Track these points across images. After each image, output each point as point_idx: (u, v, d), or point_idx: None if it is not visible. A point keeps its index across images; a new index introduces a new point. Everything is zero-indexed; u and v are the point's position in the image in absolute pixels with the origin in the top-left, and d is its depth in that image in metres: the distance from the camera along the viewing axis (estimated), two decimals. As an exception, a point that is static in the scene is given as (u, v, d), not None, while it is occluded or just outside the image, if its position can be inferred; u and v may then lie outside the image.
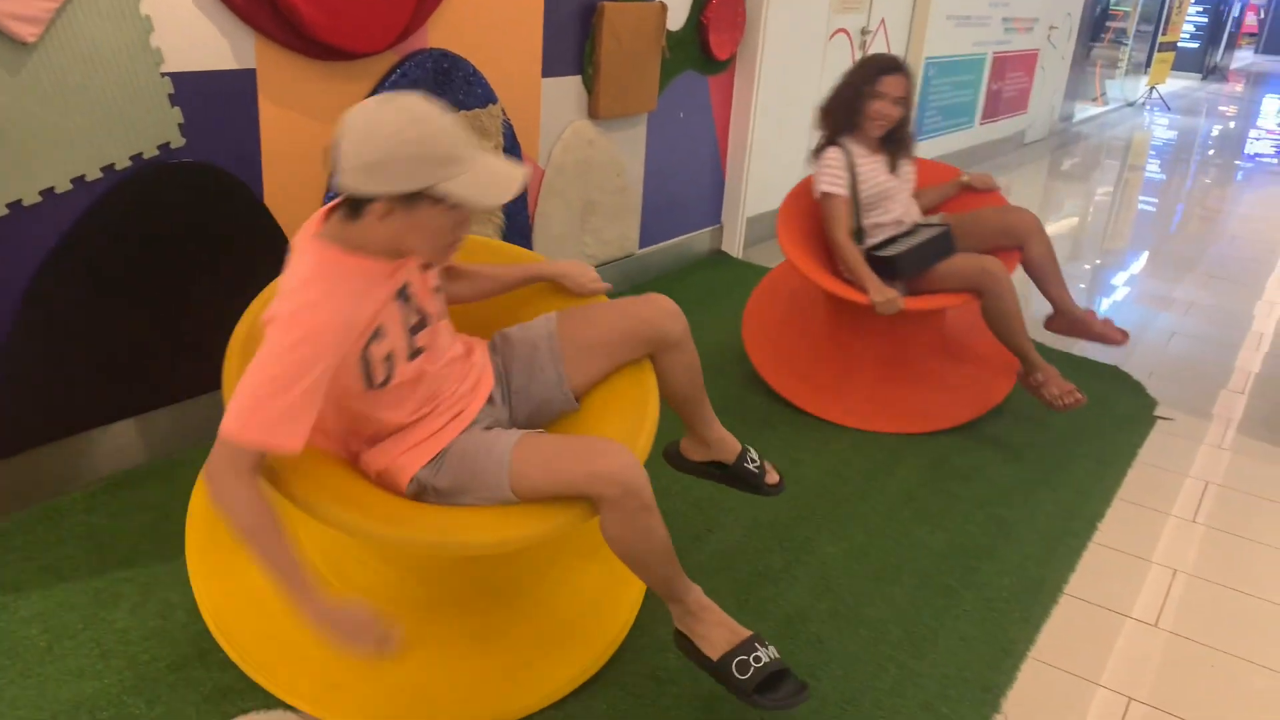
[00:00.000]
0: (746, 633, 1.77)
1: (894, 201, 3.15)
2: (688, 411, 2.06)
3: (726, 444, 2.12)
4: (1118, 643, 2.21)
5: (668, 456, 2.19)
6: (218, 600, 1.83)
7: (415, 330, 1.68)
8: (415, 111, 1.47)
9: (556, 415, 1.94)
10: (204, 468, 1.50)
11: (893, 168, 3.15)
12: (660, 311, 1.92)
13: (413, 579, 1.88)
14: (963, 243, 3.10)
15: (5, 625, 1.93)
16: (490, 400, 1.85)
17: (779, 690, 1.72)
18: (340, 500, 1.55)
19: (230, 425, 1.43)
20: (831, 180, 3.06)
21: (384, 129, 1.44)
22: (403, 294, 1.64)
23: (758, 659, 1.73)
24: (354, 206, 1.51)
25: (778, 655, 1.75)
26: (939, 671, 2.06)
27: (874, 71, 3.03)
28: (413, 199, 1.48)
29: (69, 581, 2.08)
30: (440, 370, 1.75)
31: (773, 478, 2.15)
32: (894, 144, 3.15)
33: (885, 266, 3.00)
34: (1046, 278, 3.25)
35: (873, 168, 3.11)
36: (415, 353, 1.68)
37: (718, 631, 1.77)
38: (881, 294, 2.93)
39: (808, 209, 3.26)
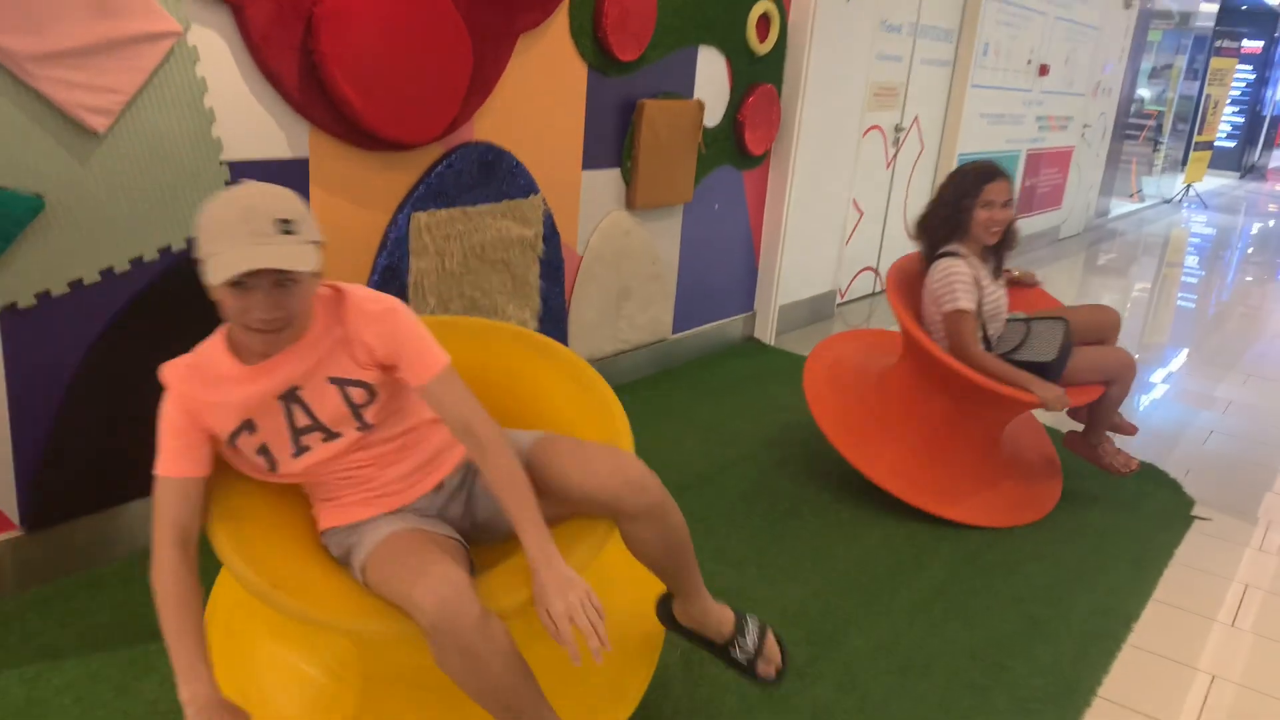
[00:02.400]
0: None
1: (1003, 308, 3.17)
2: (667, 580, 1.86)
3: (715, 622, 1.90)
4: (1154, 750, 2.15)
5: (658, 609, 1.97)
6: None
7: (303, 432, 1.67)
8: (220, 193, 1.56)
9: (504, 537, 1.84)
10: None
11: (996, 274, 3.17)
12: (621, 480, 1.69)
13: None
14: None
15: (40, 694, 1.96)
16: (439, 487, 1.81)
17: None
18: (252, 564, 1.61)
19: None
20: (967, 296, 3.00)
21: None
22: (289, 396, 1.64)
23: None
24: None
25: None
26: (967, 773, 2.01)
27: (976, 180, 3.04)
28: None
29: (103, 651, 2.11)
30: (349, 465, 1.73)
31: (767, 670, 1.89)
32: (1000, 248, 3.17)
33: (1037, 370, 3.01)
34: (1108, 409, 3.27)
35: (989, 284, 3.11)
36: (301, 450, 1.68)
37: None
38: (1048, 390, 2.91)
39: (911, 285, 3.28)
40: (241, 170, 2.48)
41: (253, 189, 1.55)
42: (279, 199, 1.54)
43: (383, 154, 2.82)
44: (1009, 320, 3.23)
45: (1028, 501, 3.25)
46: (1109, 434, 3.37)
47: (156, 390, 2.39)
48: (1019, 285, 3.53)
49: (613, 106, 3.64)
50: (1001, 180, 3.05)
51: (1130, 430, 3.43)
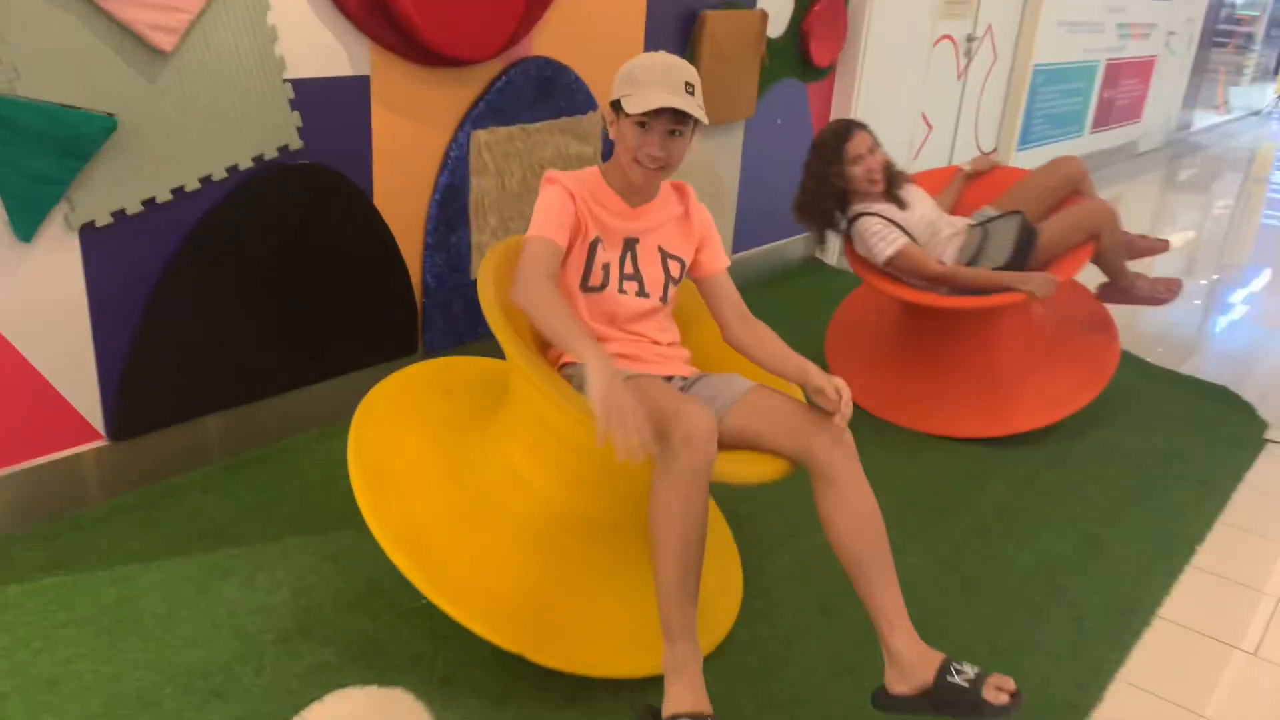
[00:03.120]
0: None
1: (940, 224, 3.16)
2: (854, 580, 1.83)
3: (916, 656, 1.72)
4: (1211, 670, 2.15)
5: (875, 701, 1.80)
6: (394, 526, 1.89)
7: (626, 279, 1.99)
8: (643, 53, 1.95)
9: None
10: (515, 275, 1.87)
11: (902, 203, 3.15)
12: (817, 433, 1.84)
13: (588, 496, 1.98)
14: (1033, 214, 3.14)
15: (129, 593, 2.07)
16: (669, 379, 2.01)
17: None
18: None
19: (529, 232, 1.92)
20: (888, 241, 3.03)
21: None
22: (629, 244, 1.99)
23: None
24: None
25: None
26: (1022, 688, 2.03)
27: (836, 143, 3.09)
28: (614, 107, 1.92)
29: (185, 555, 2.22)
30: (636, 323, 2.02)
31: (998, 696, 1.60)
32: (891, 183, 3.14)
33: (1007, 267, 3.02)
34: (1113, 255, 3.21)
35: (902, 215, 3.11)
36: (622, 287, 1.99)
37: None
38: (1029, 281, 2.87)
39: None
40: (304, 88, 2.49)
41: (670, 57, 1.91)
42: (687, 69, 1.89)
43: (442, 70, 2.81)
44: (971, 227, 3.18)
45: (1085, 378, 3.18)
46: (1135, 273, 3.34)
47: (230, 307, 2.47)
48: (978, 176, 3.46)
49: (673, 18, 3.56)
50: (858, 133, 3.08)
51: (1161, 246, 3.34)
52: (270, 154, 2.47)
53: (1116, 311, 3.50)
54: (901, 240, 3.04)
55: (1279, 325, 4.44)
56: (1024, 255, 3.03)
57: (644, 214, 2.01)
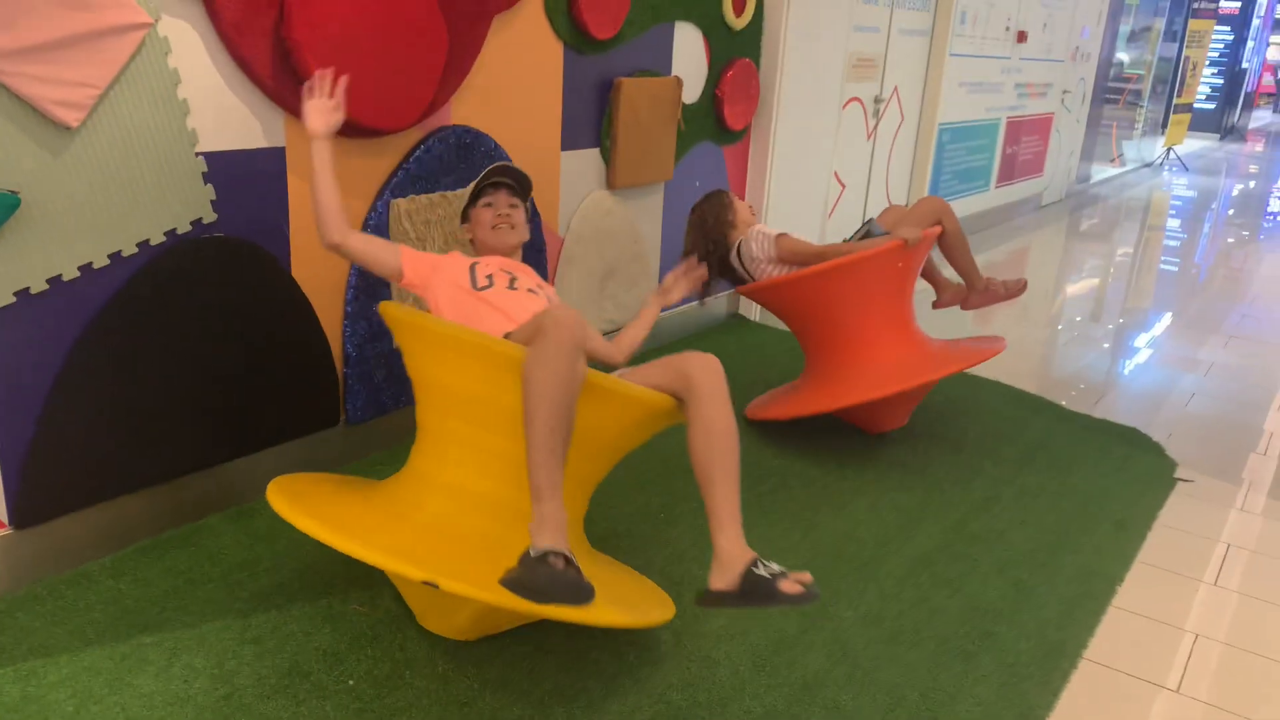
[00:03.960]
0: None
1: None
2: (702, 488, 2.05)
3: (735, 554, 1.92)
4: (1138, 710, 2.19)
5: (699, 601, 1.97)
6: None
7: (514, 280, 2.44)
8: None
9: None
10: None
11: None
12: (694, 356, 2.13)
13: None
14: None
15: (34, 690, 1.97)
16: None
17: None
18: None
19: None
20: (770, 236, 3.42)
21: None
22: (508, 271, 2.46)
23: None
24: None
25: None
26: (957, 738, 2.05)
27: (719, 195, 3.58)
28: (464, 218, 2.64)
29: (96, 646, 2.12)
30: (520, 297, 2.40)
31: (794, 588, 1.82)
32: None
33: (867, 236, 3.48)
34: (958, 249, 3.58)
35: (759, 238, 3.48)
36: (511, 287, 2.41)
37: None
38: (903, 232, 3.26)
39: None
40: (218, 161, 2.47)
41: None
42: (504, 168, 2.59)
43: (359, 140, 2.80)
44: (846, 239, 3.59)
45: (973, 347, 3.36)
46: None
47: (142, 384, 2.40)
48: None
49: (590, 85, 3.62)
50: (730, 199, 3.59)
51: (1019, 287, 3.68)
52: (183, 228, 2.43)
53: (1031, 358, 3.65)
54: (771, 230, 3.46)
55: (1181, 367, 4.63)
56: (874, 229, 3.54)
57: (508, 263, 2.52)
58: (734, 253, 3.53)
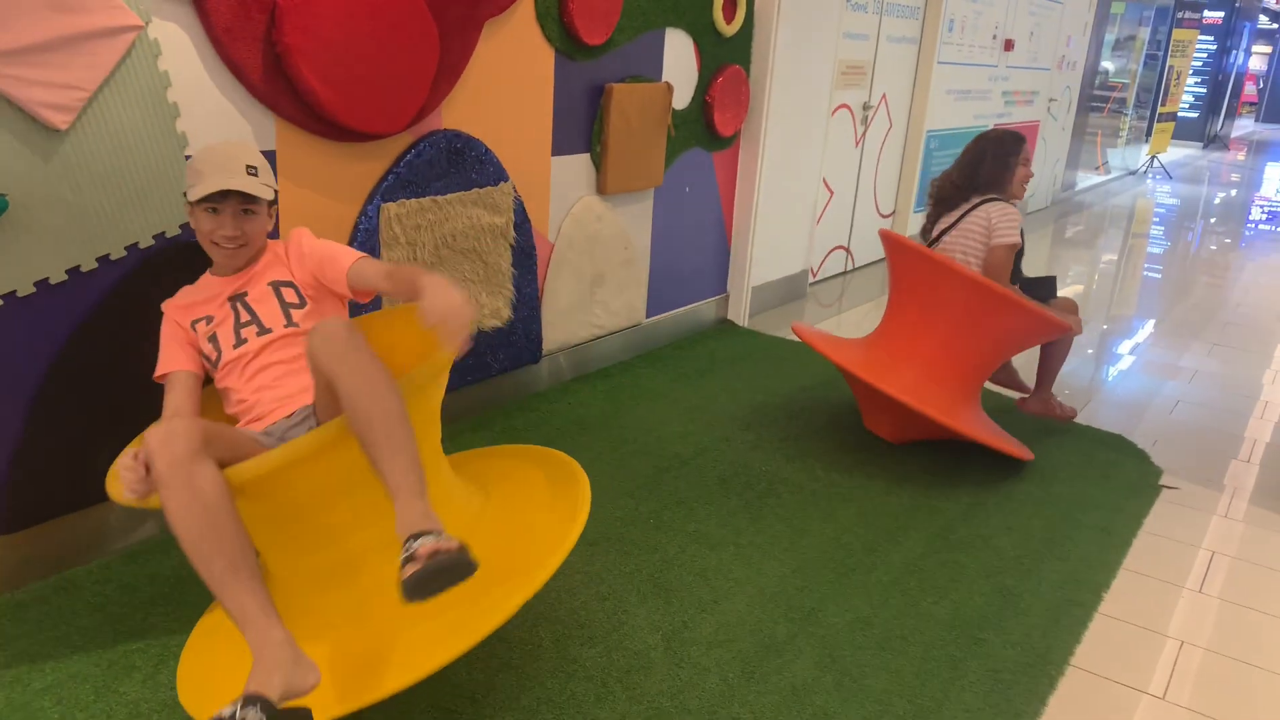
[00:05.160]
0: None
1: None
2: (376, 466, 1.71)
3: (403, 524, 1.65)
4: (1123, 716, 2.21)
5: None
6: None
7: (244, 325, 2.13)
8: (209, 144, 2.21)
9: None
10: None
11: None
12: (311, 336, 1.79)
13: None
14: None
15: (20, 697, 1.95)
16: (290, 415, 2.08)
17: None
18: None
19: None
20: (1016, 231, 3.34)
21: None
22: (237, 298, 2.16)
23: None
24: None
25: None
26: (945, 745, 2.06)
27: (1016, 142, 3.45)
28: (186, 199, 2.14)
29: (83, 653, 2.10)
30: (262, 358, 2.11)
31: (408, 569, 1.57)
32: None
33: (1036, 285, 3.54)
34: (1057, 357, 3.68)
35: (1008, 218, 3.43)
36: (240, 342, 2.12)
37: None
38: (1074, 321, 3.36)
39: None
40: (207, 165, 2.45)
41: (236, 143, 2.22)
42: (249, 152, 2.14)
43: (350, 145, 2.80)
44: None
45: (1016, 443, 3.39)
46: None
47: (129, 389, 2.38)
48: None
49: (581, 91, 3.63)
50: (1028, 145, 3.50)
51: (1025, 388, 3.88)
52: (172, 231, 2.42)
53: (1016, 364, 3.74)
54: (1020, 241, 3.36)
55: (1164, 374, 4.67)
56: (1053, 284, 3.60)
57: (244, 274, 2.19)
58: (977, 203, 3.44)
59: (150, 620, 2.23)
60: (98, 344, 2.34)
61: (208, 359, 2.15)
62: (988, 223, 3.37)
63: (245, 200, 2.09)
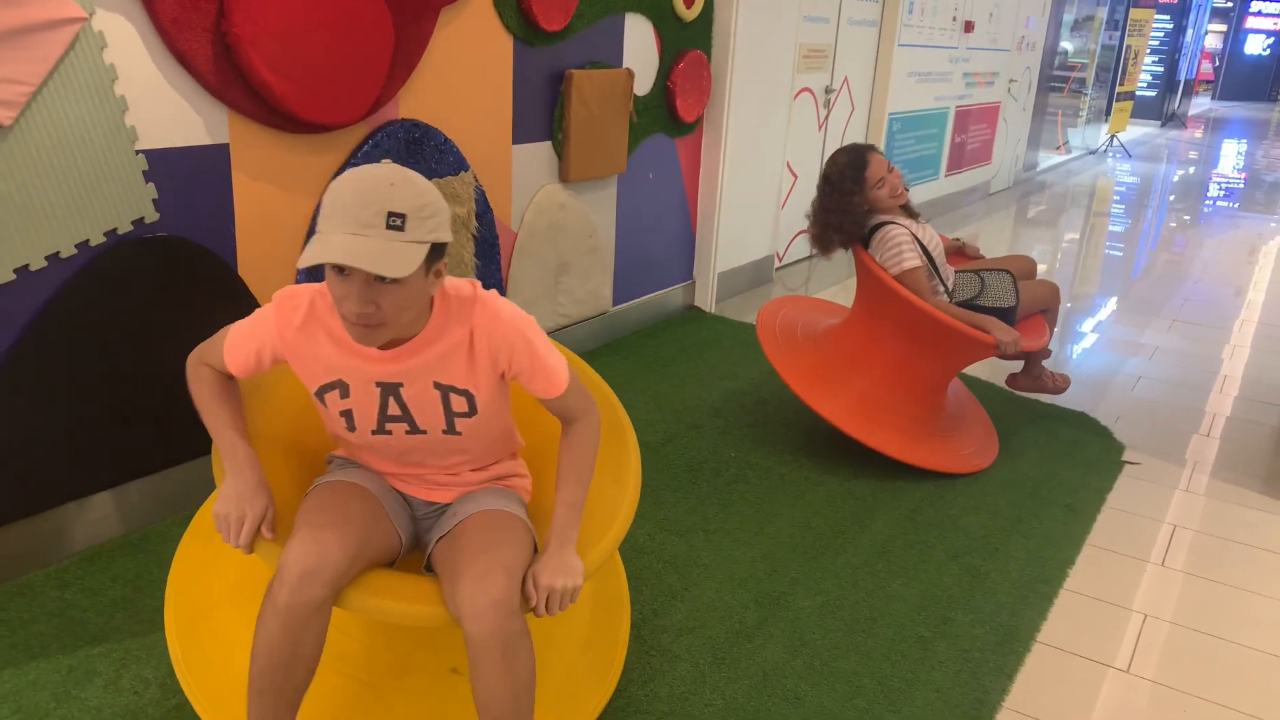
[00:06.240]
0: None
1: (940, 252, 3.29)
2: None
3: None
4: (1090, 691, 2.23)
5: None
6: (196, 665, 1.81)
7: (391, 420, 1.66)
8: (354, 170, 1.46)
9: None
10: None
11: (915, 215, 3.29)
12: (471, 599, 1.51)
13: (380, 639, 1.87)
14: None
15: (-24, 706, 1.91)
16: (429, 504, 1.81)
17: None
18: None
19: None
20: (912, 255, 3.08)
21: None
22: (389, 388, 1.62)
23: None
24: None
25: None
26: (915, 724, 2.07)
27: (855, 174, 3.12)
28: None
29: (41, 659, 2.06)
30: (414, 454, 1.74)
31: None
32: (908, 208, 3.26)
33: (1000, 315, 3.17)
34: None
35: (926, 233, 3.23)
36: (383, 431, 1.68)
37: None
38: (1007, 333, 3.05)
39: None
40: (159, 159, 2.41)
41: (384, 171, 1.43)
42: (401, 189, 1.41)
43: (306, 136, 2.76)
44: (959, 272, 3.34)
45: (972, 453, 3.33)
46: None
47: (83, 390, 2.33)
48: (962, 254, 3.65)
49: (540, 78, 3.59)
50: (873, 157, 3.14)
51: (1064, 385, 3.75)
52: (124, 228, 2.37)
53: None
54: (919, 260, 3.10)
55: (1126, 351, 4.72)
56: (1016, 306, 3.25)
57: (403, 355, 1.59)
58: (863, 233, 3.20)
59: (112, 623, 2.19)
60: (50, 344, 2.29)
61: (334, 421, 1.70)
62: (881, 259, 3.14)
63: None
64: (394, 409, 1.65)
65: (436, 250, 1.48)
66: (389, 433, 1.68)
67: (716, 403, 3.71)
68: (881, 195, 3.14)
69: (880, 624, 2.41)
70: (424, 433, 1.68)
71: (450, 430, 1.69)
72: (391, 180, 1.42)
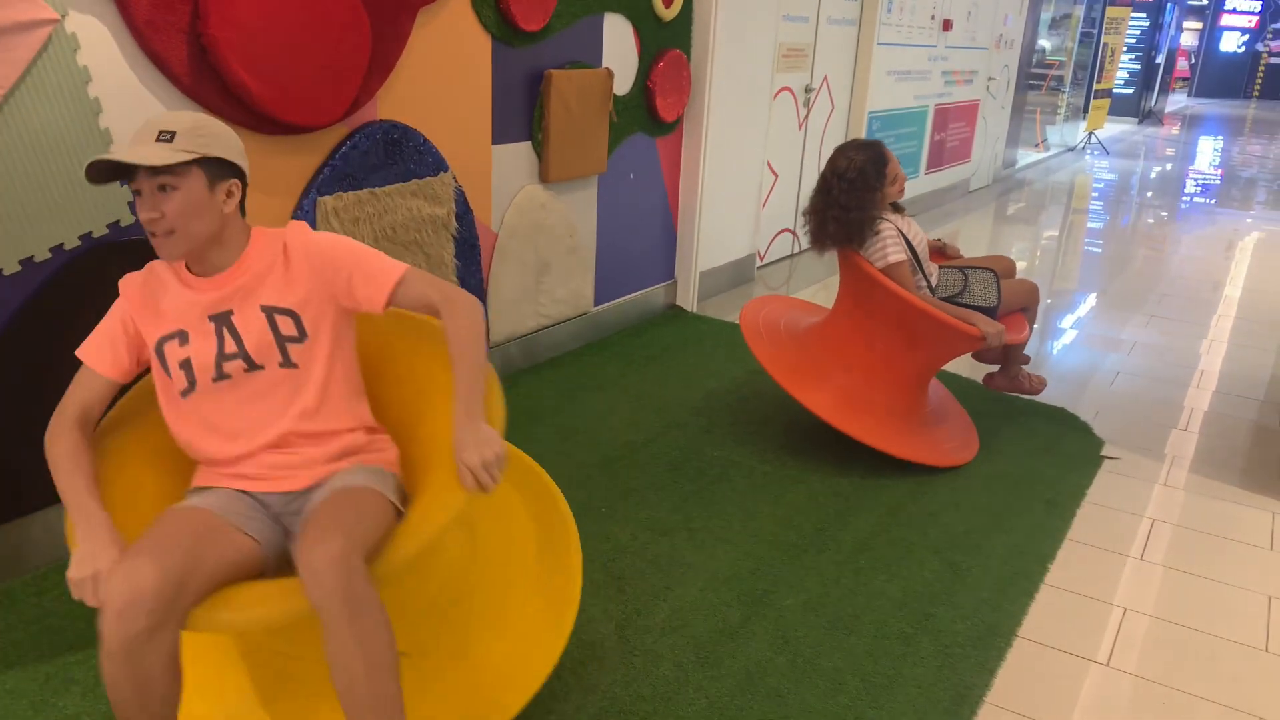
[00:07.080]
0: None
1: (925, 247, 3.32)
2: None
3: None
4: (1070, 685, 2.25)
5: None
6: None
7: (228, 358, 1.70)
8: None
9: None
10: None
11: (902, 211, 3.32)
12: (312, 570, 1.48)
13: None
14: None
15: (-48, 716, 1.89)
16: (305, 491, 1.76)
17: None
18: None
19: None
20: (896, 249, 3.10)
21: None
22: (221, 318, 1.71)
23: None
24: None
25: None
26: (897, 721, 2.08)
27: (875, 174, 3.11)
28: None
29: (18, 668, 2.04)
30: (252, 410, 1.73)
31: None
32: (894, 203, 3.30)
33: (984, 314, 3.21)
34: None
35: (911, 228, 3.25)
36: (221, 376, 1.70)
37: None
38: (991, 325, 3.11)
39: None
40: (134, 161, 2.38)
41: (169, 113, 1.67)
42: (177, 116, 1.65)
43: (283, 138, 2.74)
44: (942, 269, 3.37)
45: (953, 449, 3.34)
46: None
47: (56, 396, 2.30)
48: (942, 254, 3.66)
49: (519, 78, 3.58)
50: (889, 152, 3.20)
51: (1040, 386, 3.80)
52: (99, 231, 2.35)
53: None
54: (904, 255, 3.13)
55: (1105, 347, 4.76)
56: (999, 305, 3.31)
57: (226, 280, 1.71)
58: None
59: (90, 631, 2.17)
60: (22, 349, 2.26)
61: (174, 380, 1.72)
62: (867, 253, 3.16)
63: (156, 174, 1.60)
64: (230, 345, 1.70)
65: (218, 168, 1.66)
66: (229, 375, 1.71)
67: (698, 402, 3.71)
68: (894, 192, 3.20)
69: (862, 621, 2.41)
70: (261, 368, 1.72)
71: (286, 362, 1.73)
72: (170, 113, 1.67)
